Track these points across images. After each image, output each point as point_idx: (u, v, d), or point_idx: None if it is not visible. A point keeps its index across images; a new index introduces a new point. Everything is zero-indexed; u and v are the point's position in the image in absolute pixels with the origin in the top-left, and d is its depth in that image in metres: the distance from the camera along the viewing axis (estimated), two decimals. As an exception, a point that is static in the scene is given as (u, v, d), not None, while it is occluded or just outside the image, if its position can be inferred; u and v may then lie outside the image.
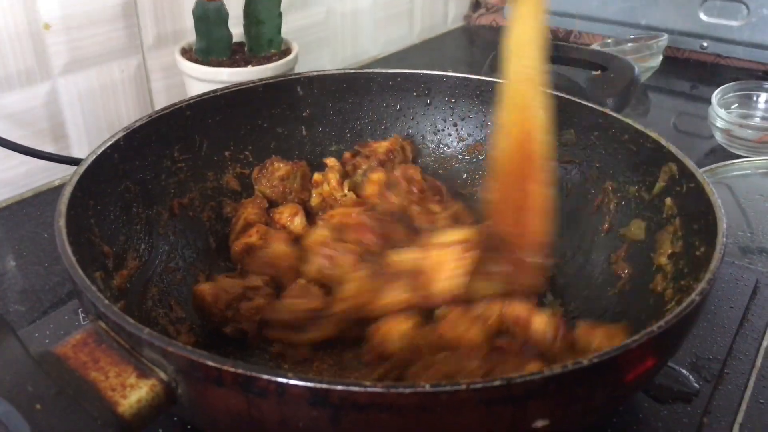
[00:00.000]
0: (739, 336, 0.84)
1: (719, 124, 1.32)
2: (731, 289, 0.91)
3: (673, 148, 0.83)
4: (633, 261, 0.85)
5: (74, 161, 1.12)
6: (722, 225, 0.69)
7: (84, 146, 1.25)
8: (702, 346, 0.82)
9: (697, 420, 0.73)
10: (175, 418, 0.70)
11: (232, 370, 0.52)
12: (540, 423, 0.53)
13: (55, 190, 1.21)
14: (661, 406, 0.75)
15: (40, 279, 0.98)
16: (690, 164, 0.80)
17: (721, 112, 1.31)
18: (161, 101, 1.34)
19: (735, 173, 1.25)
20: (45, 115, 1.19)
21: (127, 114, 1.29)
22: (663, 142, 0.85)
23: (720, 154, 1.34)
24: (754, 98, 1.41)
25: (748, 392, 0.77)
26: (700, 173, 0.78)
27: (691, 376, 0.77)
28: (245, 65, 1.21)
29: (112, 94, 1.26)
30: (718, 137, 1.34)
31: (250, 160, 1.02)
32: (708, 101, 1.36)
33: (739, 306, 0.88)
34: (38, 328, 0.84)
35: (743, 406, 0.75)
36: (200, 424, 0.66)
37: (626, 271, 0.85)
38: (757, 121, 1.36)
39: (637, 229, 0.86)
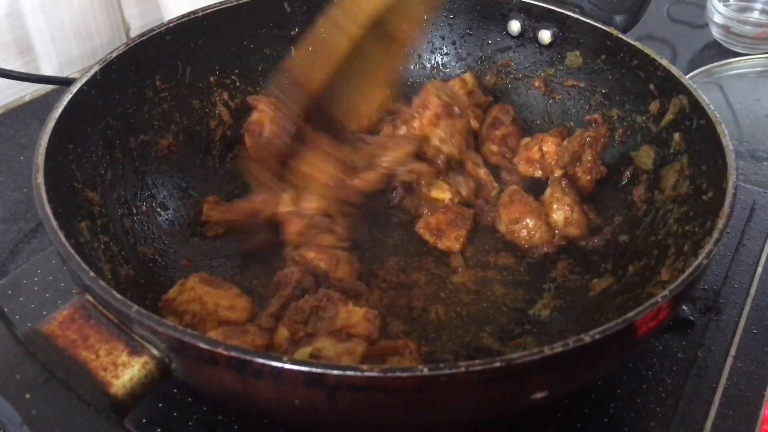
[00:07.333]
0: (735, 263, 0.82)
1: (717, 19, 1.26)
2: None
3: (685, 80, 0.78)
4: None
5: (46, 80, 1.07)
6: (733, 174, 0.66)
7: (53, 58, 1.18)
8: (698, 276, 0.81)
9: (692, 354, 0.73)
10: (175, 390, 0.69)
11: (225, 353, 0.50)
12: (539, 395, 0.53)
13: (27, 106, 1.15)
14: (656, 340, 0.74)
15: (20, 206, 0.95)
16: (702, 99, 0.75)
17: (720, 6, 1.26)
18: (131, 5, 1.26)
19: (730, 73, 1.21)
20: (8, 27, 1.12)
21: (95, 22, 1.21)
22: (674, 71, 0.80)
23: (715, 50, 1.29)
24: (755, -13, 1.35)
25: (742, 322, 0.77)
26: (712, 110, 0.73)
27: (687, 309, 0.76)
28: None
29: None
30: (715, 33, 1.29)
31: (238, 84, 0.96)
32: (704, -16, 1.30)
33: (735, 230, 0.86)
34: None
35: (736, 338, 0.75)
36: (197, 392, 0.66)
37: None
38: (756, 15, 1.31)
39: (645, 156, 0.83)
